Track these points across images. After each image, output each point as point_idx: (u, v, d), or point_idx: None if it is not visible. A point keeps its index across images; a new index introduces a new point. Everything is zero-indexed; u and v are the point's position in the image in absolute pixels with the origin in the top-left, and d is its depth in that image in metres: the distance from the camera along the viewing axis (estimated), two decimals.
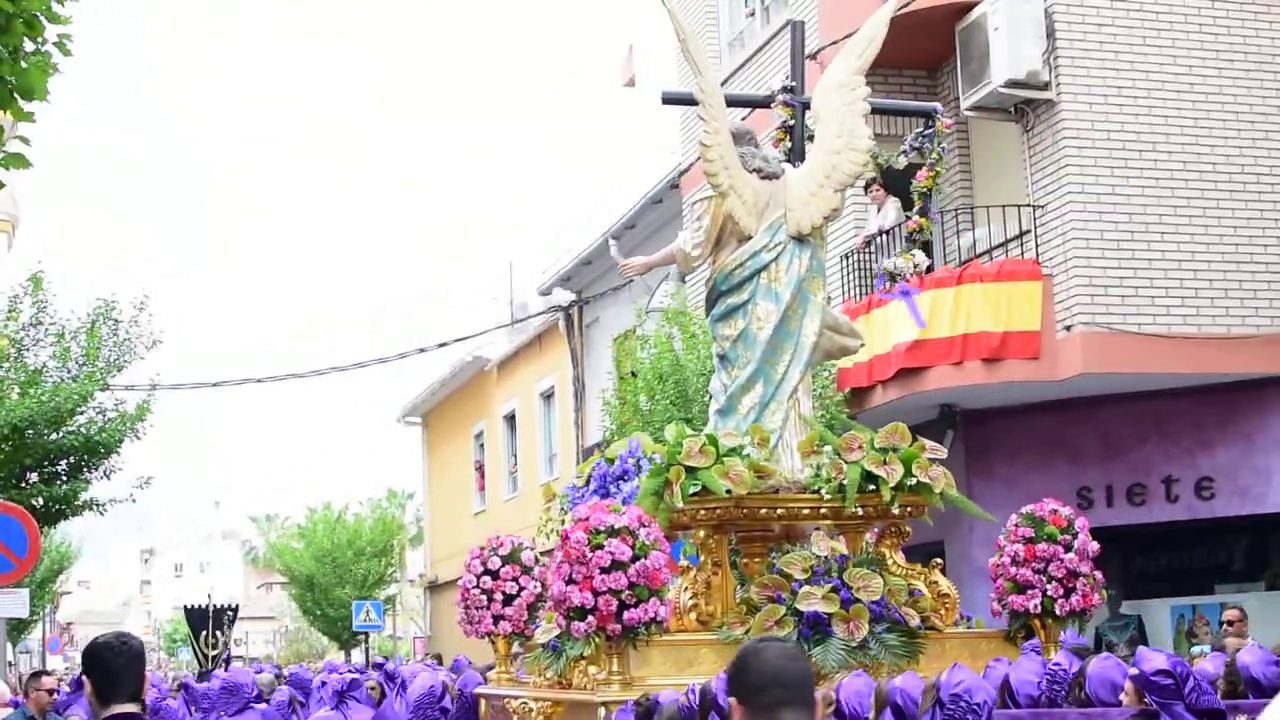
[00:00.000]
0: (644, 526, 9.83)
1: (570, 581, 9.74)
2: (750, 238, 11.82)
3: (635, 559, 9.68)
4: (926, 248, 17.87)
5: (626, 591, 9.65)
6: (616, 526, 9.75)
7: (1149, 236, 19.68)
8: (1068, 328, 19.39)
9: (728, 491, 10.75)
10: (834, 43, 19.71)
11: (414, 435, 51.82)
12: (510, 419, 41.63)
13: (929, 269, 19.13)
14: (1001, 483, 20.66)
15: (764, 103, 13.67)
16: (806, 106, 12.69)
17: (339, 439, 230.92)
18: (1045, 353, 19.49)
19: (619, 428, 22.69)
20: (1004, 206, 20.55)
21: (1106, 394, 20.59)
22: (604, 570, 9.63)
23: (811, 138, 12.56)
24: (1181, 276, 19.73)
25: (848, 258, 21.73)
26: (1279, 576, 20.63)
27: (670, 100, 12.94)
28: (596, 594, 9.65)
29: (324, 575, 56.66)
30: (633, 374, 23.94)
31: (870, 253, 21.38)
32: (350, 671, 17.51)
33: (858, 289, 21.42)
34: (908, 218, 14.49)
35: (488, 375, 42.99)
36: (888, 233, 20.96)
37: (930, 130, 13.18)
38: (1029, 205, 20.19)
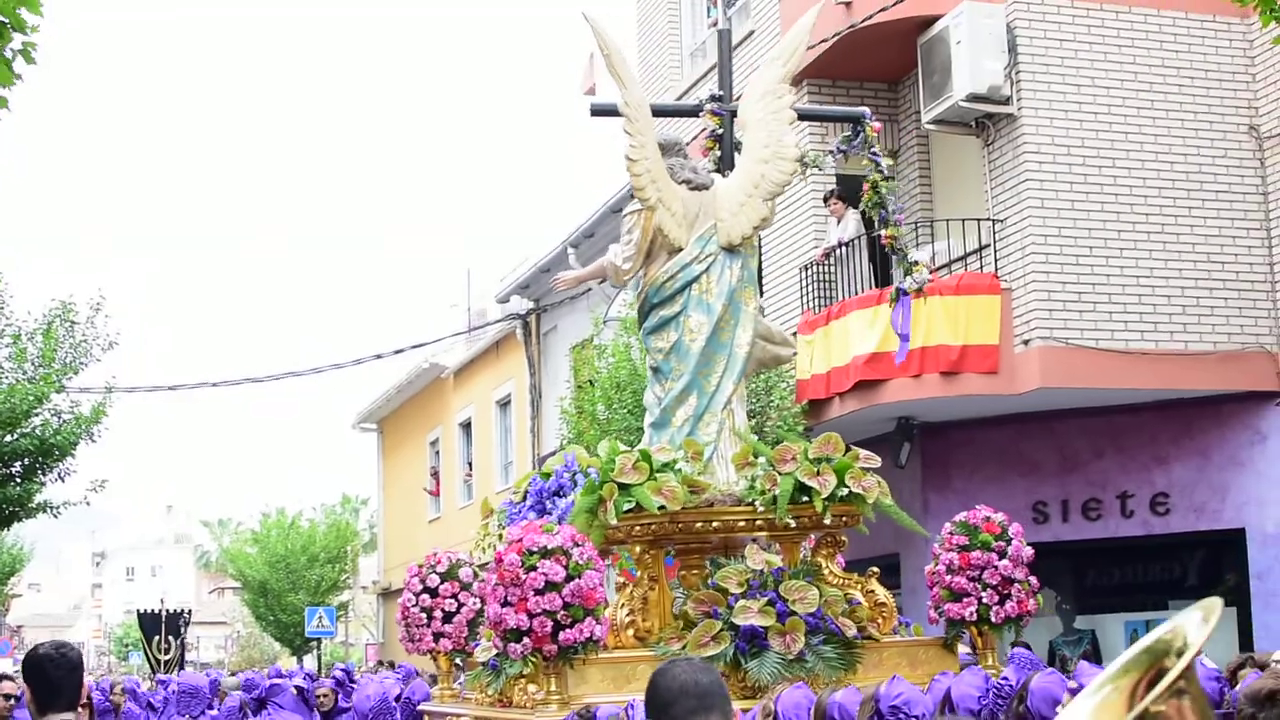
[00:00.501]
0: (577, 546, 9.77)
1: (505, 604, 9.68)
2: (681, 250, 11.74)
3: (569, 579, 9.62)
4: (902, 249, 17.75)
5: (561, 612, 9.60)
6: (550, 547, 9.67)
7: (1108, 252, 19.73)
8: (1026, 342, 19.42)
9: (661, 507, 10.67)
10: None
11: (369, 441, 51.73)
12: (466, 426, 41.56)
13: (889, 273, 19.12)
14: (958, 496, 20.66)
15: (692, 112, 13.59)
16: (734, 115, 12.62)
17: (294, 444, 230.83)
18: (1003, 367, 19.52)
19: (576, 436, 22.65)
20: (964, 220, 20.59)
21: (1064, 409, 20.65)
22: (538, 592, 9.57)
23: (739, 147, 12.48)
24: (1140, 292, 19.79)
25: (807, 269, 21.74)
26: (1232, 592, 20.67)
27: (598, 112, 12.74)
28: (531, 615, 9.59)
29: (277, 581, 56.47)
30: (590, 383, 23.91)
31: (830, 265, 21.39)
32: (277, 677, 17.38)
33: (818, 301, 21.42)
34: (870, 233, 14.42)
35: (444, 382, 42.92)
36: (847, 245, 20.98)
37: (859, 134, 13.03)
38: (988, 219, 20.23)
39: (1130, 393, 20.05)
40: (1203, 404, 20.31)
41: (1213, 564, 21.35)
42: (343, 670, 17.51)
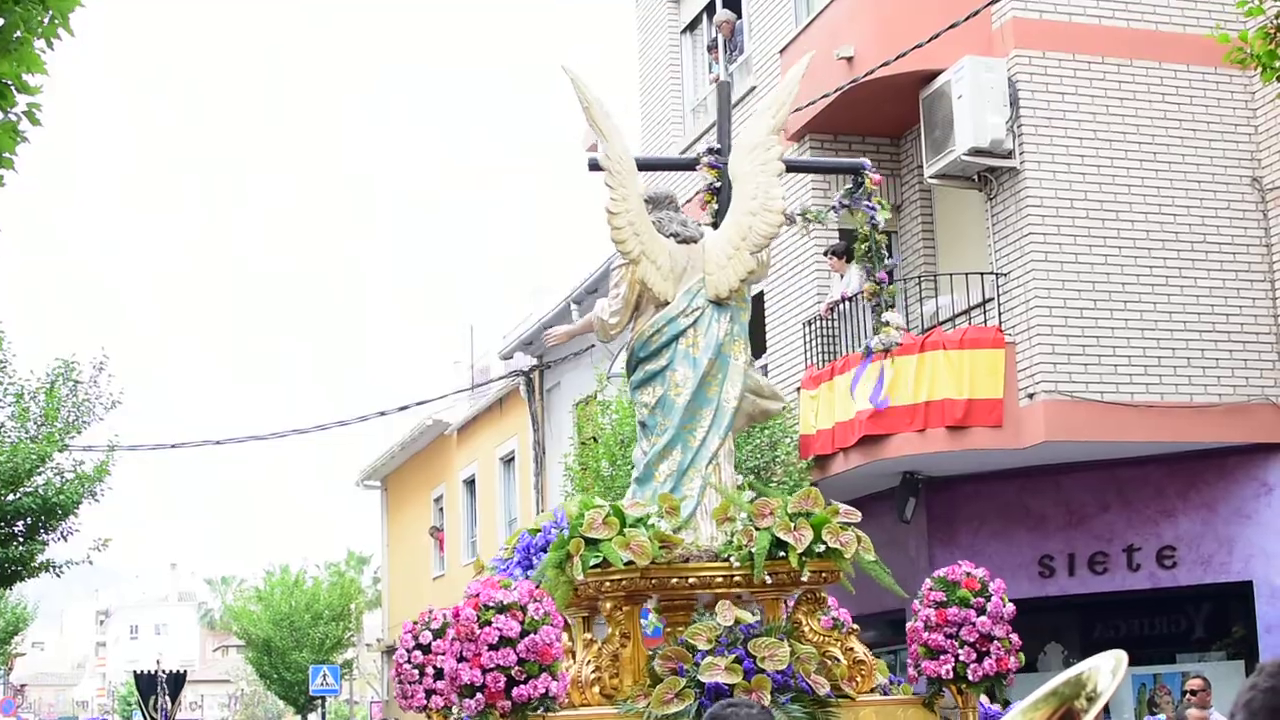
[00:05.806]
0: (535, 601, 9.70)
1: (461, 659, 9.64)
2: (667, 303, 11.60)
3: (525, 634, 9.57)
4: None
5: (516, 668, 9.54)
6: (505, 603, 9.63)
7: (1112, 305, 19.71)
8: (1030, 396, 19.38)
9: (630, 563, 10.46)
10: (798, 110, 19.73)
11: (373, 499, 51.64)
12: (470, 483, 41.47)
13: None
14: (964, 551, 20.58)
15: (689, 165, 13.52)
16: None
17: (298, 501, 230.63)
18: (1008, 421, 19.46)
19: (580, 493, 22.58)
20: (967, 274, 20.57)
21: (1069, 462, 20.58)
22: (492, 647, 9.54)
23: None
24: (1144, 345, 19.75)
25: (810, 324, 21.71)
26: (1240, 645, 20.60)
27: (596, 167, 12.61)
28: (485, 671, 9.54)
29: (281, 639, 56.34)
30: (594, 439, 23.86)
31: (833, 320, 21.35)
32: None
33: (822, 356, 21.38)
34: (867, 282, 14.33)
35: (448, 439, 42.86)
36: (850, 299, 20.95)
37: (859, 186, 12.99)
38: (992, 273, 20.21)
39: (1136, 445, 19.99)
40: (1208, 456, 20.24)
41: (1220, 617, 21.27)
42: None
